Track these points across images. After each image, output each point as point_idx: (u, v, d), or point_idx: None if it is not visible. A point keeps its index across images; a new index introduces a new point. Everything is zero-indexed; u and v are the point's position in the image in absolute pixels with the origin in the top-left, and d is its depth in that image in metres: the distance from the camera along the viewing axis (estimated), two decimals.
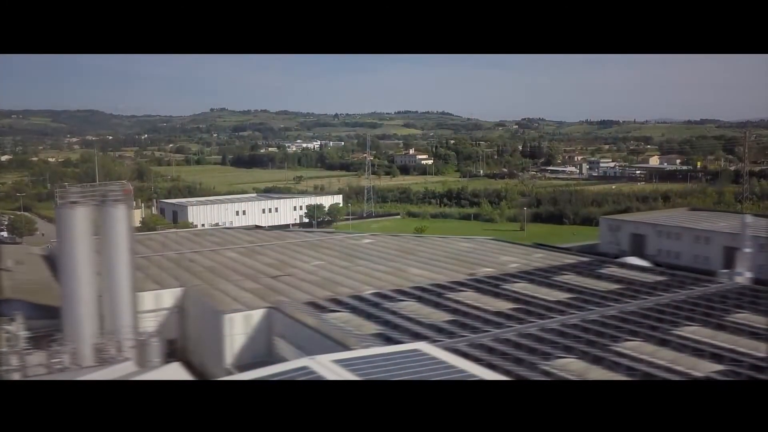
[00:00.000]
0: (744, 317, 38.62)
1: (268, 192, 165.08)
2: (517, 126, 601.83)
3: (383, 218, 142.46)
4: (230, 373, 37.83)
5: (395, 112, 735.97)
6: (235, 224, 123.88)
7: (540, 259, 57.41)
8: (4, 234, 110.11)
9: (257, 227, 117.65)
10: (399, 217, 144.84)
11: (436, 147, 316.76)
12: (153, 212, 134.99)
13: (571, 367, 30.67)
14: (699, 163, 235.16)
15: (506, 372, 29.19)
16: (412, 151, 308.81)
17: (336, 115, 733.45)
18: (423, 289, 46.16)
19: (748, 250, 52.12)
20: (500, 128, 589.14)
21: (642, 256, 75.81)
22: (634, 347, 33.52)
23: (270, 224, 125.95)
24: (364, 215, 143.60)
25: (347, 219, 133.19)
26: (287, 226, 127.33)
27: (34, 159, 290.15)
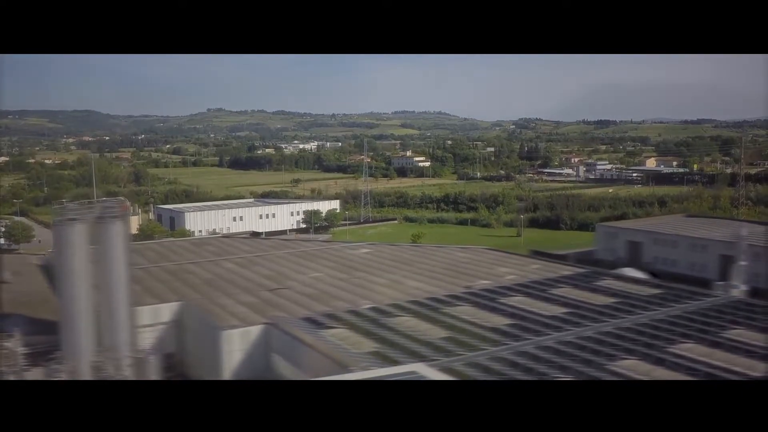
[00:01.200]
0: (739, 333, 38.83)
1: (266, 196, 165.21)
2: (514, 126, 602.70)
3: (380, 223, 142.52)
4: None
5: (392, 112, 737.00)
6: (233, 230, 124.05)
7: (537, 270, 57.58)
8: (1, 241, 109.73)
9: (254, 233, 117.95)
10: (396, 222, 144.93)
11: (433, 149, 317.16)
12: (150, 217, 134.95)
13: None
14: (695, 166, 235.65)
15: None
16: (408, 153, 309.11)
17: (333, 115, 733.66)
18: (420, 304, 46.32)
19: (743, 262, 52.42)
20: (497, 128, 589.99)
21: (638, 263, 76.17)
22: (630, 366, 33.67)
23: (267, 230, 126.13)
24: (362, 220, 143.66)
25: (344, 224, 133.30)
26: (284, 232, 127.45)
27: (31, 161, 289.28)
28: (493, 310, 44.46)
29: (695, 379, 29.86)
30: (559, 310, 44.40)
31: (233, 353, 41.05)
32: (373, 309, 45.05)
